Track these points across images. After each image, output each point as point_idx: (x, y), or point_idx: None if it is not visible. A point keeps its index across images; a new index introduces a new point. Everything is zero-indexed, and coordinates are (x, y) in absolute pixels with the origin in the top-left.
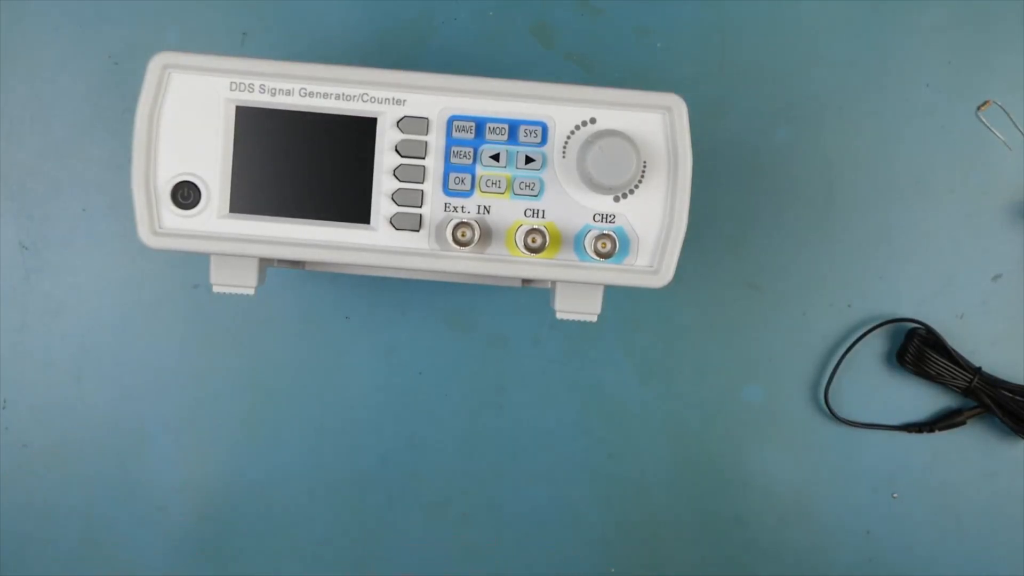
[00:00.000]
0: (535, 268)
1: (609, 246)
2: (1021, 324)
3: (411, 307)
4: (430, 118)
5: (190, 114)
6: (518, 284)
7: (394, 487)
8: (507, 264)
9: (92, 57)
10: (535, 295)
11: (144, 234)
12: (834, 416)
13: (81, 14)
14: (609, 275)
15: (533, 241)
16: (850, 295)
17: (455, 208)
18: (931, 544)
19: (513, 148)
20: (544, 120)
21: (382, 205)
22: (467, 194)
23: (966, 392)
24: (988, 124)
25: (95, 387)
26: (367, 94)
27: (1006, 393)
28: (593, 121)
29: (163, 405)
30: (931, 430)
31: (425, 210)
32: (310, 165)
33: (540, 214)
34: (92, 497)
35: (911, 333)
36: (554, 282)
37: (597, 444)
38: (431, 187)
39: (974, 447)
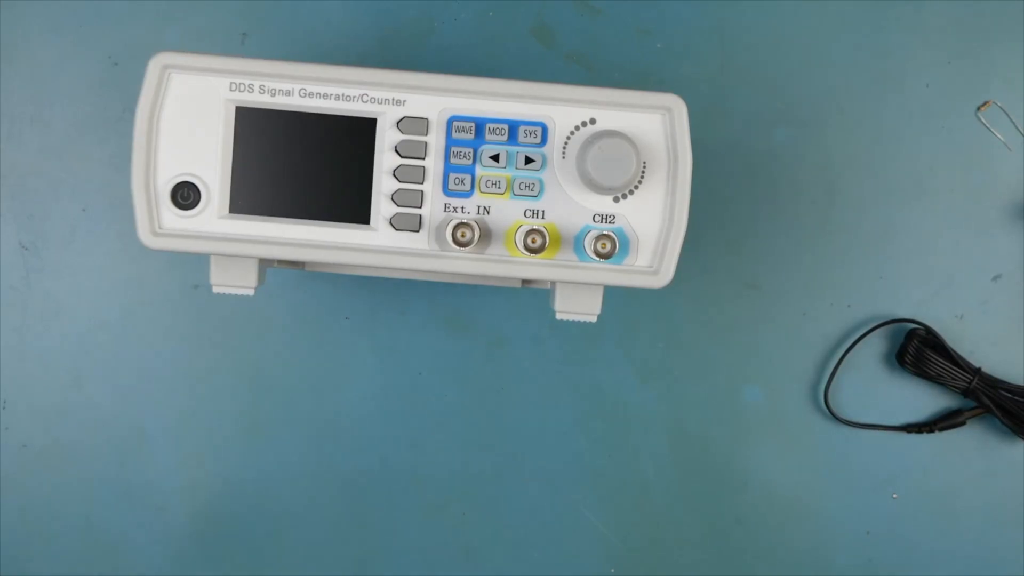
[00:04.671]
0: (535, 268)
1: (609, 246)
2: (1021, 324)
3: (411, 307)
4: (430, 118)
5: (190, 114)
6: (518, 284)
7: (394, 487)
8: (507, 264)
9: (92, 57)
10: (535, 295)
11: (144, 234)
12: (834, 416)
13: (81, 14)
14: (609, 275)
15: (533, 242)
16: (850, 295)
17: (455, 208)
18: (931, 544)
19: (513, 148)
20: (544, 120)
21: (382, 205)
22: (467, 194)
23: (966, 392)
24: (988, 124)
25: (95, 387)
26: (367, 94)
27: (1006, 393)
28: (593, 121)
29: (163, 405)
30: (931, 430)
31: (425, 210)
32: (310, 165)
33: (540, 214)
34: (92, 497)
35: (911, 333)
36: (554, 282)
37: (597, 444)
38: (431, 187)
39: (974, 447)
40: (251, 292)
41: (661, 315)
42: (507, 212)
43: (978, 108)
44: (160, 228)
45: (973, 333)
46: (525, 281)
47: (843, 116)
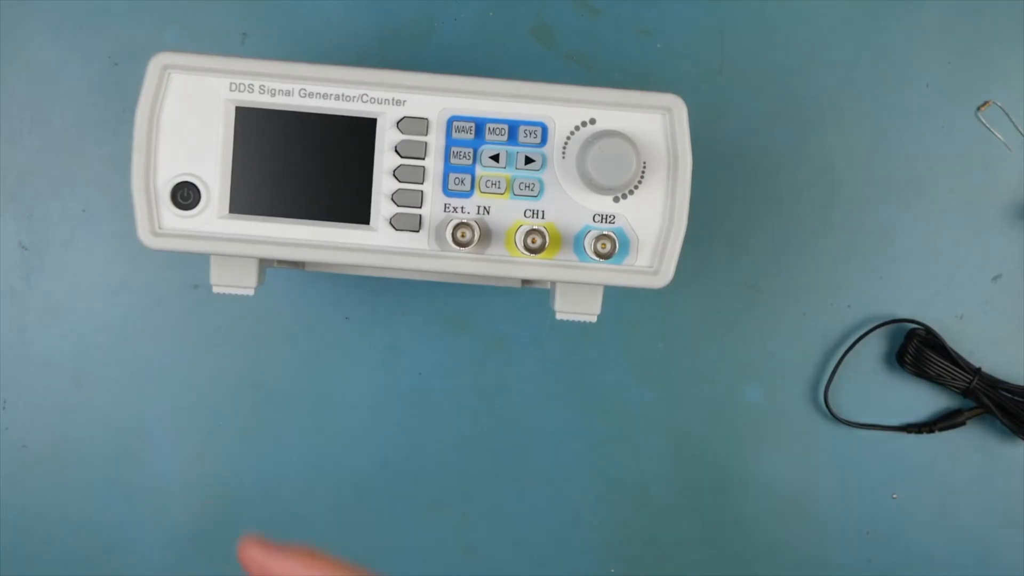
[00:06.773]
0: (535, 269)
1: (609, 247)
2: (1021, 324)
3: (411, 307)
4: (430, 118)
5: (190, 114)
6: (518, 284)
7: (394, 487)
8: (507, 265)
9: (92, 57)
10: (535, 295)
11: (144, 235)
12: (834, 416)
13: (81, 14)
14: (609, 276)
15: (533, 242)
16: (850, 295)
17: (455, 208)
18: (931, 544)
19: (513, 149)
20: (544, 120)
21: (382, 206)
22: (467, 194)
23: (966, 393)
24: (988, 124)
25: (95, 387)
26: (367, 94)
27: (1006, 394)
28: (593, 122)
29: (163, 405)
30: (931, 430)
31: (425, 210)
32: (310, 165)
33: (540, 215)
34: (92, 497)
35: (911, 333)
36: (554, 283)
37: (597, 444)
38: (431, 188)
39: (974, 447)
40: (251, 292)
41: (661, 315)
42: (507, 212)
43: (978, 108)
44: (160, 228)
45: (973, 333)
46: (525, 281)
47: (843, 116)
